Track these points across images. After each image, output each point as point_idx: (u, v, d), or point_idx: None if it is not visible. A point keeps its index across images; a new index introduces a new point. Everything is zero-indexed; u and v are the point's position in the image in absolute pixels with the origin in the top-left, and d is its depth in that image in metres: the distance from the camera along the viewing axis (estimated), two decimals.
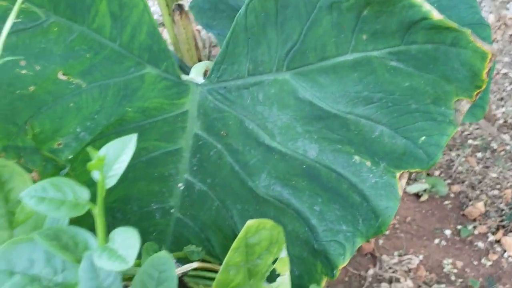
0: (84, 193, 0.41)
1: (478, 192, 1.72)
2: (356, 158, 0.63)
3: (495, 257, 1.54)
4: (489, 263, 1.54)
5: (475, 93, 0.52)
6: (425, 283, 1.51)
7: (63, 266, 0.41)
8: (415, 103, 0.58)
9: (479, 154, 1.86)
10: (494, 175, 1.78)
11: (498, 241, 1.57)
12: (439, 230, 1.62)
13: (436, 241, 1.60)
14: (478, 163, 1.82)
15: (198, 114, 0.73)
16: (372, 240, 1.54)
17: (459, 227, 1.62)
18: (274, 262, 0.54)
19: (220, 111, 0.71)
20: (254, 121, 0.68)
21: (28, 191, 0.39)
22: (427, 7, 0.52)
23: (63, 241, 0.40)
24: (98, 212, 0.41)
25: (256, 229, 0.49)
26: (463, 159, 1.83)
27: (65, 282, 0.40)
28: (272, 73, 0.65)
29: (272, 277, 0.56)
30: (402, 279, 1.52)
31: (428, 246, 1.60)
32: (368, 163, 0.63)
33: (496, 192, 1.73)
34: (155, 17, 2.21)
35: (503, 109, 2.01)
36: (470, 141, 1.90)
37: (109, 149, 0.43)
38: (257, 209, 0.71)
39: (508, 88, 2.08)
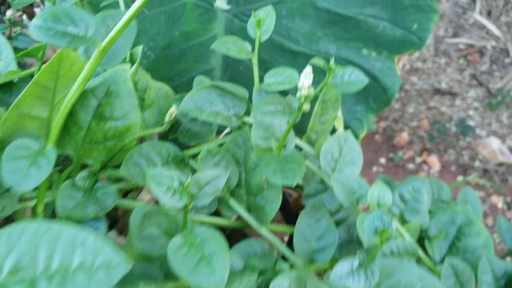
0: (248, 46, 0.58)
1: (401, 125, 2.05)
2: (365, 50, 0.85)
3: (423, 174, 1.87)
4: None
5: None
6: None
7: (233, 104, 0.57)
8: (408, 0, 0.81)
9: (396, 95, 2.19)
10: (411, 110, 2.13)
11: (424, 161, 1.91)
12: (375, 160, 1.93)
13: (374, 168, 1.91)
14: (396, 101, 2.15)
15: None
16: None
17: (391, 155, 1.94)
18: (334, 119, 0.73)
19: (246, 31, 0.89)
20: (279, 33, 0.87)
21: (219, 42, 0.55)
22: None
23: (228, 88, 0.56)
24: (254, 61, 0.58)
25: (328, 88, 0.68)
26: None
27: (236, 114, 0.56)
28: None
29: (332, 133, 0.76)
30: None
31: (368, 173, 1.90)
32: (374, 54, 0.85)
33: (415, 123, 2.07)
34: None
35: (407, 57, 2.38)
36: None
37: (260, 12, 0.59)
38: None
39: None
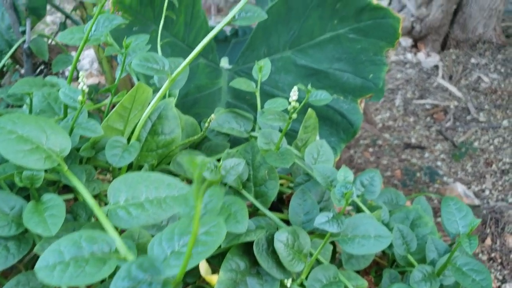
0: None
1: None
2: (335, 95, 1.16)
3: None
4: None
5: (395, 42, 1.09)
6: None
7: (243, 123, 0.86)
8: (364, 56, 1.13)
9: (371, 149, 2.51)
10: (385, 162, 2.43)
11: None
12: None
13: None
14: (371, 155, 2.47)
15: (228, 89, 1.20)
16: None
17: None
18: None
19: None
20: (269, 84, 1.18)
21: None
22: None
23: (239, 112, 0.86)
24: (257, 94, 0.87)
25: (309, 117, 0.97)
26: (360, 154, 2.46)
27: (246, 130, 0.85)
28: (279, 52, 1.17)
29: None
30: None
31: None
32: (341, 97, 1.16)
33: (389, 173, 2.37)
34: (95, 65, 2.58)
35: (380, 116, 2.72)
36: (361, 141, 2.55)
37: None
38: None
39: (381, 101, 2.81)
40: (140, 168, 0.83)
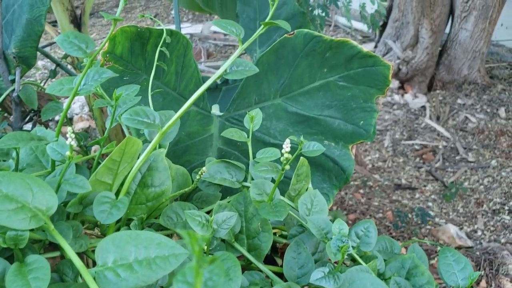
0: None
1: (368, 216, 2.32)
2: (326, 142, 1.15)
3: None
4: None
5: (386, 89, 1.09)
6: None
7: (235, 173, 0.84)
8: (355, 104, 1.13)
9: (361, 190, 2.49)
10: (376, 203, 2.41)
11: None
12: None
13: None
14: (362, 196, 2.45)
15: (219, 135, 1.19)
16: None
17: None
18: (306, 189, 1.00)
19: None
20: (260, 131, 1.16)
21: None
22: (360, 46, 1.09)
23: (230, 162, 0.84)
24: (249, 144, 0.86)
25: (301, 165, 0.96)
26: (351, 195, 2.44)
27: (238, 180, 0.83)
28: (270, 100, 1.16)
29: None
30: None
31: None
32: (333, 144, 1.15)
33: (380, 214, 2.35)
34: (86, 109, 2.57)
35: (369, 157, 2.72)
36: (352, 182, 2.54)
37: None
38: None
39: (370, 143, 2.82)
40: (129, 221, 0.80)
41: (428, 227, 2.27)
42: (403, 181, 2.58)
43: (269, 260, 0.97)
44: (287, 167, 0.74)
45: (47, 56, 1.34)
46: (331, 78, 1.12)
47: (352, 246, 0.84)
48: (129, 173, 0.74)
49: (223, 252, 0.71)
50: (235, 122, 1.18)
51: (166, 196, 0.79)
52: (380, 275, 0.95)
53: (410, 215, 2.35)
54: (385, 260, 1.00)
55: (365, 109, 1.13)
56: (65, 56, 1.40)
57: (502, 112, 3.14)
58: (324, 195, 1.14)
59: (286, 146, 0.72)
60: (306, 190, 1.01)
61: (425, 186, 2.56)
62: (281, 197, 0.83)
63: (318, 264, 0.84)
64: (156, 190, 0.79)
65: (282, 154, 0.72)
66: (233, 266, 0.70)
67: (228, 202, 0.82)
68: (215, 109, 1.20)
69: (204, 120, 1.17)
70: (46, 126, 1.33)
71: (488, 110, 3.17)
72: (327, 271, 0.71)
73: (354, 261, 0.90)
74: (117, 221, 0.79)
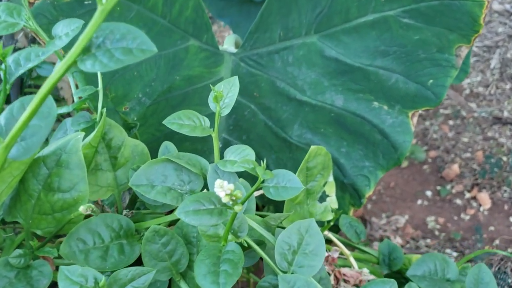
0: (207, 121, 0.55)
1: (452, 155, 1.91)
2: (375, 103, 0.79)
3: (472, 211, 1.74)
4: (467, 217, 1.73)
5: (473, 37, 0.69)
6: (412, 239, 1.69)
7: (189, 179, 0.54)
8: (424, 53, 0.74)
9: (451, 122, 2.06)
10: (466, 139, 1.98)
11: (473, 198, 1.78)
12: (420, 192, 1.81)
13: (419, 201, 1.79)
14: (450, 129, 2.02)
15: None
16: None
17: (438, 187, 1.82)
18: (324, 185, 0.68)
19: (252, 75, 0.84)
20: (284, 80, 0.82)
21: (170, 117, 0.52)
22: None
23: (186, 161, 0.53)
24: (214, 136, 0.54)
25: (315, 154, 0.63)
26: (437, 127, 2.03)
27: (192, 190, 0.53)
28: (301, 37, 0.80)
29: (323, 198, 0.70)
30: (392, 237, 1.69)
31: (412, 207, 1.80)
32: (385, 107, 0.79)
33: (468, 154, 1.93)
34: None
35: (468, 80, 2.22)
36: (441, 111, 2.10)
37: (220, 86, 0.56)
38: (291, 156, 0.85)
39: (472, 61, 2.30)
40: (34, 234, 0.54)
41: None
42: (506, 114, 2.08)
43: None
44: (237, 208, 0.42)
45: None
46: (391, 12, 0.73)
47: None
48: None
49: None
50: (252, 65, 0.84)
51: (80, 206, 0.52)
52: None
53: (505, 158, 1.91)
54: None
55: (438, 63, 0.74)
56: None
57: None
58: (363, 177, 0.81)
59: (221, 187, 0.39)
60: (324, 185, 0.68)
61: None
62: (257, 226, 0.52)
63: None
64: (65, 197, 0.52)
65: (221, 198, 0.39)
66: None
67: (176, 223, 0.53)
68: (229, 43, 0.87)
69: (210, 59, 0.84)
70: None
71: None
72: None
73: None
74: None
